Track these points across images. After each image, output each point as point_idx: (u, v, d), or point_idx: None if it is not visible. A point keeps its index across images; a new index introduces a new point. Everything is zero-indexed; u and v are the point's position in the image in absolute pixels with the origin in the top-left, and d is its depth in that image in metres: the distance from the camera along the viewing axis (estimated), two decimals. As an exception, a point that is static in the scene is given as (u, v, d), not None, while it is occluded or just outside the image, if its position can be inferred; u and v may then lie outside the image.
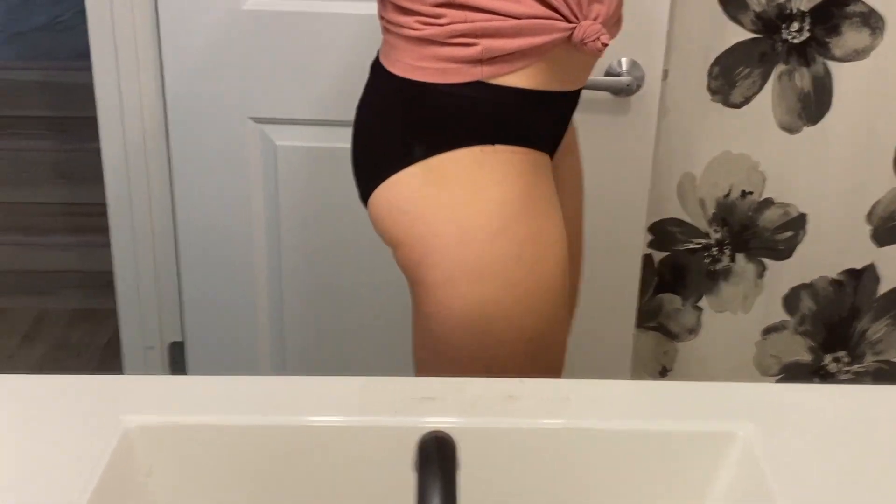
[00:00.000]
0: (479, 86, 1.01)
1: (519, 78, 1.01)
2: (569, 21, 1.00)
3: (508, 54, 0.99)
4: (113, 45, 1.66)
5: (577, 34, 1.00)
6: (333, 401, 0.88)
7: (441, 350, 1.06)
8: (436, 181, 1.02)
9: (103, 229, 1.81)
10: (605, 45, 1.01)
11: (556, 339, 1.12)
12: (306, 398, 0.88)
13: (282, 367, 1.82)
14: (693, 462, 0.85)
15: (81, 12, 1.66)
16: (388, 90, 1.05)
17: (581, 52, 1.02)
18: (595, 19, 1.02)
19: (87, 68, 1.72)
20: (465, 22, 0.98)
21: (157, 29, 1.62)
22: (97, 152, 1.75)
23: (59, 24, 3.29)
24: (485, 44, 0.99)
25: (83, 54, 1.69)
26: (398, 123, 1.05)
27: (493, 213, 1.02)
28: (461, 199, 1.02)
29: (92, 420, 0.83)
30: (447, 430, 0.84)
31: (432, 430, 0.61)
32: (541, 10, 0.98)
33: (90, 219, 2.52)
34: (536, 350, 1.08)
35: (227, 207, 1.71)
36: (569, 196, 1.19)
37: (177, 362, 1.85)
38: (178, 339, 1.84)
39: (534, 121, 1.05)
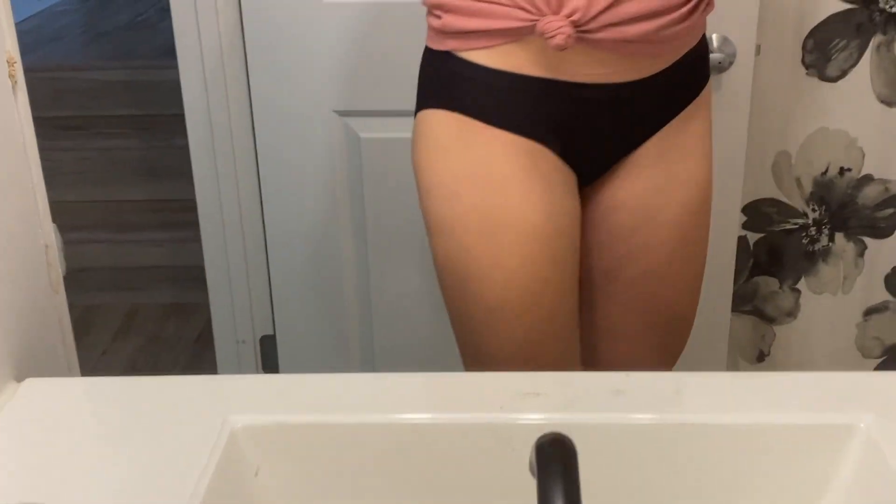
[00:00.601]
0: (449, 56, 1.09)
1: (488, 56, 1.06)
2: (532, 12, 1.02)
3: (469, 31, 1.05)
4: (198, 42, 1.67)
5: (539, 27, 1.01)
6: (435, 397, 0.87)
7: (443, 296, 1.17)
8: (418, 135, 1.13)
9: (192, 224, 1.83)
10: (564, 42, 1.00)
11: (531, 323, 1.11)
12: (407, 395, 0.87)
13: (371, 357, 1.82)
14: (813, 456, 0.82)
15: (162, 9, 1.68)
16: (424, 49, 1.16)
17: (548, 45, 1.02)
18: (571, 15, 1.00)
19: (171, 66, 1.74)
20: None
21: (241, 24, 1.62)
22: (183, 149, 1.77)
23: (141, 23, 3.35)
24: (446, 19, 1.06)
25: (166, 52, 1.71)
26: (420, 80, 1.16)
27: (446, 177, 1.09)
28: (427, 157, 1.11)
29: (199, 421, 0.83)
30: (553, 427, 0.83)
31: (549, 431, 0.59)
32: None
33: (179, 214, 2.56)
34: (499, 322, 1.11)
35: (313, 201, 1.72)
36: (665, 201, 1.15)
37: (268, 356, 1.87)
38: (270, 332, 1.85)
39: (516, 103, 1.07)
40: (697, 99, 1.16)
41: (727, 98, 1.57)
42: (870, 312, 1.80)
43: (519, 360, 1.12)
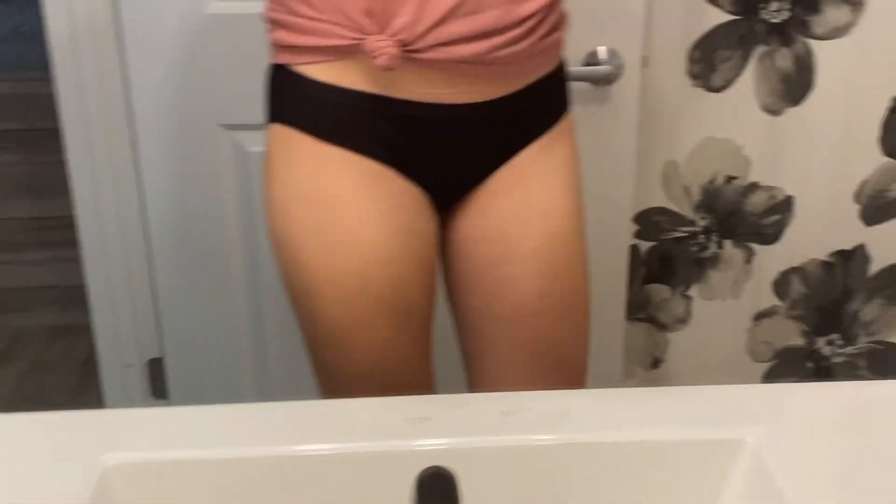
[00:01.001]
0: (284, 69, 1.08)
1: (320, 70, 1.05)
2: (358, 31, 1.01)
3: (301, 47, 1.05)
4: (74, 54, 1.61)
5: (364, 46, 1.01)
6: (322, 427, 0.84)
7: None
8: (267, 149, 1.12)
9: (77, 243, 1.76)
10: (387, 62, 0.99)
11: (371, 342, 1.10)
12: (293, 425, 0.83)
13: (265, 380, 1.77)
14: (702, 471, 0.82)
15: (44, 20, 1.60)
16: None
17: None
18: (397, 34, 0.99)
19: (46, 78, 1.67)
20: (272, 11, 1.07)
21: (120, 36, 1.56)
22: (65, 164, 1.70)
23: (22, 34, 3.22)
24: (279, 33, 1.07)
25: (48, 63, 1.64)
26: (264, 93, 1.15)
27: (281, 192, 1.09)
28: (267, 171, 1.11)
29: (69, 460, 0.79)
30: (443, 452, 0.81)
31: (431, 466, 0.57)
32: (331, 15, 1.02)
33: (62, 232, 2.46)
34: (339, 340, 1.10)
35: (201, 218, 1.66)
36: (524, 232, 1.12)
37: (157, 379, 1.81)
38: (157, 355, 1.79)
39: (350, 119, 1.06)
40: (556, 128, 1.13)
41: (616, 109, 1.58)
42: (759, 317, 1.84)
43: (363, 379, 1.11)
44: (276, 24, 1.07)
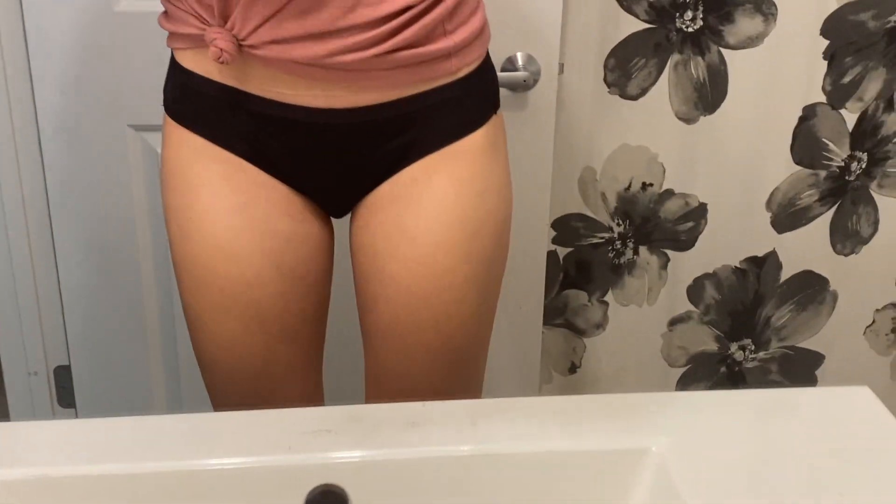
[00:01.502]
0: (172, 53, 1.11)
1: (184, 56, 1.07)
2: (202, 21, 1.01)
3: (170, 32, 1.07)
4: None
5: (205, 37, 1.01)
6: (221, 440, 0.81)
7: None
8: None
9: (-20, 247, 1.70)
10: (217, 55, 0.98)
11: (222, 340, 1.10)
12: (191, 439, 0.81)
13: (175, 387, 1.73)
14: (607, 481, 0.81)
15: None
16: None
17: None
18: (232, 28, 0.98)
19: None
20: None
21: (24, 33, 1.51)
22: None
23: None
24: (160, 17, 1.09)
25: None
26: None
27: (160, 175, 1.12)
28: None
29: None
30: (344, 465, 0.79)
31: (320, 484, 0.55)
32: (186, 4, 1.02)
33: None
34: (191, 328, 1.13)
35: (109, 220, 1.62)
36: (390, 253, 1.06)
37: (64, 388, 1.75)
38: (65, 362, 1.73)
39: (206, 107, 1.06)
40: (444, 151, 1.05)
41: (533, 115, 1.57)
42: (674, 322, 1.85)
43: (216, 369, 1.12)
44: (163, 8, 1.09)
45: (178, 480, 0.77)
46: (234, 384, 1.12)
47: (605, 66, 1.65)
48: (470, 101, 1.07)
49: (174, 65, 1.10)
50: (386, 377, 1.12)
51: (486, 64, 1.10)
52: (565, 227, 1.76)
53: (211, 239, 1.06)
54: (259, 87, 1.02)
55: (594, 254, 1.79)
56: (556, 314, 1.83)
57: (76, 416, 1.75)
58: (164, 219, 1.14)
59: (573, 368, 1.88)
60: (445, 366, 1.10)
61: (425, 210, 1.05)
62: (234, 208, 1.05)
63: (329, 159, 1.06)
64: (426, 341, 1.08)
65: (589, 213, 1.75)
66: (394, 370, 1.11)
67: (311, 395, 1.18)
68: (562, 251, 1.78)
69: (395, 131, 1.04)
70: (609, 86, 1.66)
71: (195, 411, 1.70)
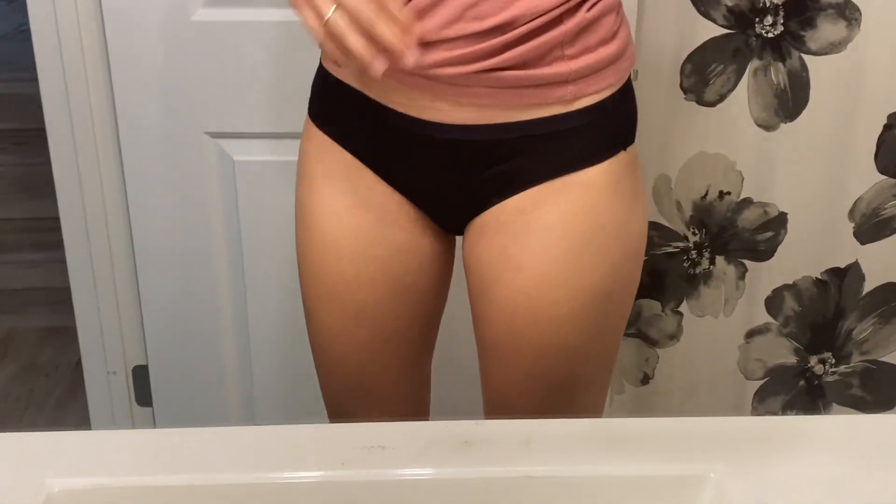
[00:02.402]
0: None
1: (325, 58, 1.09)
2: None
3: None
4: (59, 57, 1.60)
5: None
6: (276, 454, 0.82)
7: None
8: None
9: (67, 246, 1.75)
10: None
11: (321, 337, 1.13)
12: (245, 452, 0.82)
13: (249, 387, 1.76)
14: (662, 508, 0.80)
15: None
16: None
17: None
18: None
19: (34, 78, 1.66)
20: None
21: (104, 41, 1.55)
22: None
23: (23, 33, 3.21)
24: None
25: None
26: None
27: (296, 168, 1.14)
28: None
29: (12, 485, 0.77)
30: (395, 484, 0.79)
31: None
32: None
33: (56, 234, 2.44)
34: (305, 310, 1.16)
35: (186, 226, 1.65)
36: (493, 279, 1.05)
37: (141, 387, 1.79)
38: (142, 362, 1.77)
39: (334, 107, 1.08)
40: (554, 183, 1.00)
41: (605, 122, 1.55)
42: (751, 334, 1.81)
43: (325, 359, 1.16)
44: None
45: (230, 494, 0.78)
46: (338, 374, 1.16)
47: (682, 72, 1.62)
48: (590, 134, 1.00)
49: (320, 66, 1.11)
50: (491, 392, 1.14)
51: (621, 94, 1.02)
52: (639, 236, 1.73)
53: (320, 234, 1.09)
54: (379, 93, 1.02)
55: (669, 263, 1.75)
56: (629, 324, 1.80)
57: (153, 415, 1.79)
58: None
59: (646, 379, 1.85)
60: (546, 392, 1.08)
61: (531, 242, 1.01)
62: (348, 209, 1.08)
63: (435, 174, 1.04)
64: (525, 367, 1.07)
65: (663, 222, 1.72)
66: (497, 387, 1.12)
67: (415, 398, 1.20)
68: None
69: (497, 157, 1.00)
70: (685, 92, 1.63)
71: (268, 404, 1.74)
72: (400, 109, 1.01)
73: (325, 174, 1.09)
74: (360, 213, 1.07)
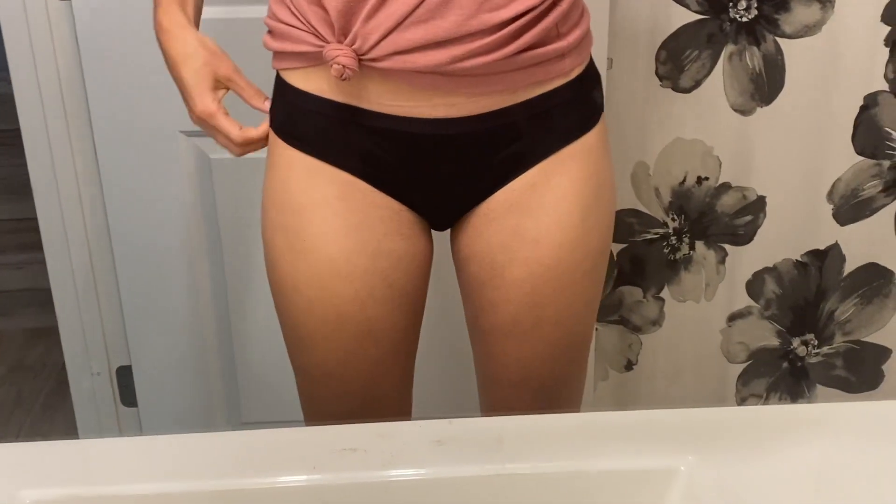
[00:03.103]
0: (277, 75, 1.09)
1: (296, 76, 1.05)
2: (320, 38, 1.00)
3: (279, 52, 1.06)
4: (31, 58, 1.59)
5: (323, 54, 0.99)
6: (243, 458, 0.82)
7: None
8: None
9: (48, 247, 1.74)
10: (340, 73, 0.97)
11: (330, 353, 1.10)
12: (216, 457, 0.82)
13: (234, 385, 1.76)
14: (634, 502, 0.80)
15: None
16: None
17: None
18: (353, 43, 0.97)
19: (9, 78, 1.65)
20: (267, 16, 1.07)
21: (76, 40, 1.54)
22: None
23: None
24: (266, 38, 1.08)
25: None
26: None
27: (264, 193, 1.11)
28: (265, 174, 1.12)
29: (-15, 498, 0.77)
30: (368, 486, 0.79)
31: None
32: (300, 22, 1.02)
33: (37, 234, 2.44)
34: (301, 342, 1.11)
35: (164, 224, 1.65)
36: (509, 258, 1.08)
37: (126, 387, 1.79)
38: (126, 363, 1.77)
39: (319, 127, 1.05)
40: (564, 151, 1.06)
41: (581, 111, 1.55)
42: (733, 318, 1.82)
43: (324, 384, 1.12)
44: (268, 27, 1.08)
45: (202, 501, 0.78)
46: (342, 398, 1.13)
47: (657, 59, 1.61)
48: (582, 101, 1.08)
49: (282, 85, 1.07)
50: (505, 370, 1.14)
51: (592, 64, 1.11)
52: (619, 224, 1.72)
53: (325, 259, 1.05)
54: (376, 102, 1.01)
55: (649, 249, 1.76)
56: (611, 311, 1.81)
57: (139, 415, 1.79)
58: (261, 236, 1.13)
59: (629, 365, 1.85)
60: (564, 352, 1.14)
61: (546, 214, 1.06)
62: (348, 228, 1.05)
63: (443, 170, 1.05)
64: (547, 334, 1.11)
65: (643, 209, 1.72)
66: (514, 363, 1.13)
67: (407, 400, 1.21)
68: (616, 247, 1.76)
69: (512, 138, 1.04)
70: (661, 79, 1.63)
71: (252, 402, 1.74)
72: (406, 114, 1.01)
73: (319, 199, 1.05)
74: (360, 231, 1.05)
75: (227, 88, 1.08)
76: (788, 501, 0.77)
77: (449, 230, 1.14)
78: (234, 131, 1.06)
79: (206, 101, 1.06)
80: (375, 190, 1.06)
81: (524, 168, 1.06)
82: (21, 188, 2.50)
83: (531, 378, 1.14)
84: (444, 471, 0.80)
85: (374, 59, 0.97)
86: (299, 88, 1.05)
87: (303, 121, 1.06)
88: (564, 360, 1.15)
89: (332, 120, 1.04)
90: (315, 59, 1.02)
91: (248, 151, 1.10)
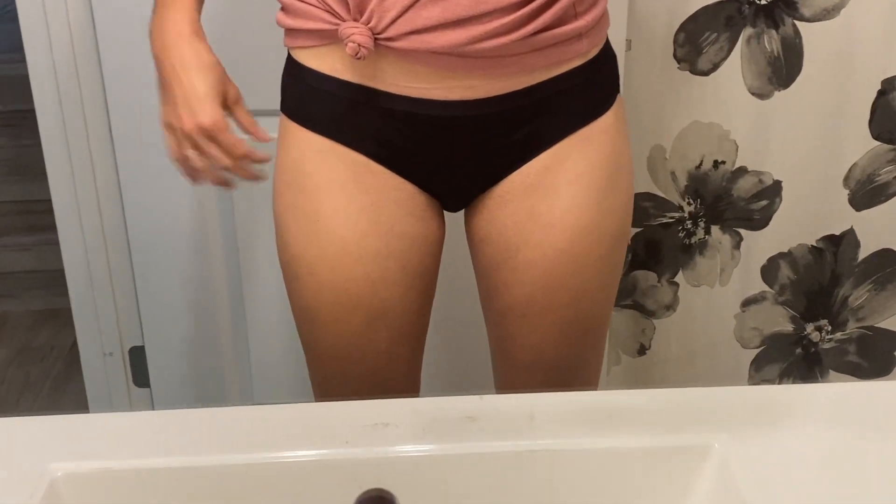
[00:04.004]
0: (288, 55, 1.07)
1: (309, 56, 1.03)
2: (335, 16, 0.98)
3: (293, 29, 1.04)
4: (47, 38, 1.58)
5: (339, 32, 0.98)
6: (278, 433, 0.82)
7: None
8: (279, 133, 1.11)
9: (60, 228, 1.74)
10: (355, 51, 0.95)
11: (342, 335, 1.09)
12: (246, 431, 0.81)
13: (247, 365, 1.76)
14: (666, 479, 0.80)
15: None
16: None
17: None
18: (368, 21, 0.96)
19: (24, 59, 1.64)
20: None
21: (93, 20, 1.53)
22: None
23: (9, 14, 3.18)
24: (279, 15, 1.05)
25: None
26: None
27: (275, 176, 1.09)
28: (276, 154, 1.10)
29: (15, 470, 0.77)
30: (403, 460, 0.79)
31: (371, 489, 0.55)
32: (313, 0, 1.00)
33: (49, 216, 2.43)
34: (313, 324, 1.10)
35: (178, 203, 1.64)
36: (523, 240, 1.07)
37: (138, 368, 1.79)
38: (139, 343, 1.77)
39: (334, 108, 1.03)
40: (579, 133, 1.05)
41: (599, 94, 1.54)
42: (747, 303, 1.81)
43: (337, 364, 1.11)
44: (281, 7, 1.05)
45: (234, 474, 0.78)
46: (353, 380, 1.12)
47: (675, 42, 1.61)
48: (599, 82, 1.07)
49: (294, 65, 1.06)
50: (519, 351, 1.14)
51: (608, 45, 1.10)
52: (634, 207, 1.72)
53: (339, 240, 1.04)
54: (392, 83, 1.00)
55: (664, 234, 1.75)
56: (625, 295, 1.80)
57: (151, 396, 1.79)
58: (273, 215, 1.12)
59: (642, 350, 1.85)
60: (579, 334, 1.13)
61: (560, 197, 1.05)
62: (362, 210, 1.04)
63: (458, 153, 1.04)
64: (562, 317, 1.11)
65: (658, 193, 1.72)
66: (527, 345, 1.13)
67: (416, 388, 1.20)
68: (630, 231, 1.75)
69: (527, 119, 1.03)
70: (679, 61, 1.62)
71: (265, 384, 1.74)
72: (421, 95, 1.00)
73: (332, 180, 1.04)
74: (373, 212, 1.05)
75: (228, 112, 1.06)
76: (821, 479, 0.77)
77: (462, 211, 1.14)
78: (241, 144, 1.03)
79: (218, 112, 1.02)
80: (389, 171, 1.05)
81: (540, 150, 1.05)
82: (28, 169, 2.49)
83: (544, 360, 1.14)
84: (475, 446, 0.80)
85: (389, 39, 0.96)
86: (312, 68, 1.04)
87: (316, 101, 1.05)
88: (578, 344, 1.14)
89: (345, 101, 1.03)
90: (329, 38, 1.01)
91: (237, 169, 1.05)
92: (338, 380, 1.14)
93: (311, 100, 1.05)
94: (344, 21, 0.98)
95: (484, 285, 1.15)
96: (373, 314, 1.08)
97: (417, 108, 1.01)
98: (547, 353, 1.14)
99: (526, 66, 1.00)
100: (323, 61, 1.03)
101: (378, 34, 0.96)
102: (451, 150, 1.04)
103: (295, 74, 1.06)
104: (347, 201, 1.04)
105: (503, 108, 1.01)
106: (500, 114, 1.01)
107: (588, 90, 1.06)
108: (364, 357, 1.11)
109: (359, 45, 0.95)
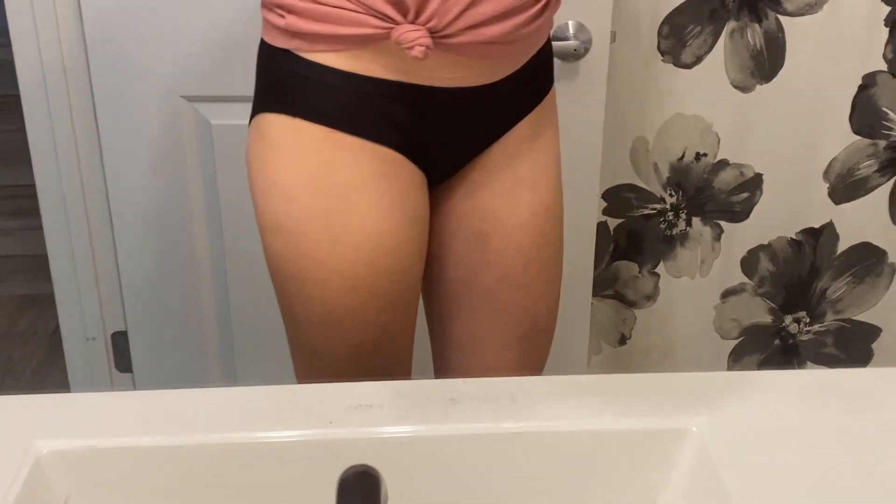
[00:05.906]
0: (289, 55, 1.03)
1: (335, 59, 1.01)
2: (386, 20, 0.97)
3: (315, 34, 1.00)
4: (32, 22, 1.58)
5: (395, 37, 0.97)
6: (262, 413, 0.82)
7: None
8: (254, 137, 1.08)
9: (42, 213, 1.74)
10: (423, 53, 0.96)
11: (368, 331, 1.07)
12: (231, 412, 0.82)
13: (230, 351, 1.76)
14: (645, 461, 0.81)
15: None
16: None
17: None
18: (428, 22, 0.96)
19: (9, 44, 1.64)
20: None
21: (78, 4, 1.53)
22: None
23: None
24: (290, 20, 1.01)
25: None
26: (258, 76, 1.10)
27: (285, 180, 1.04)
28: (262, 159, 1.06)
29: (1, 446, 0.77)
30: (385, 441, 0.80)
31: (355, 465, 0.56)
32: (353, 3, 0.97)
33: (31, 201, 2.42)
34: (334, 327, 1.07)
35: (163, 190, 1.64)
36: (513, 203, 1.12)
37: (121, 352, 1.79)
38: (122, 328, 1.77)
39: (366, 107, 1.02)
40: (544, 102, 1.14)
41: (584, 84, 1.56)
42: (727, 294, 1.83)
43: (351, 367, 1.09)
44: (285, 8, 1.01)
45: (220, 453, 0.78)
46: (367, 371, 1.10)
47: (659, 34, 1.62)
48: (552, 53, 1.16)
49: (304, 65, 1.02)
50: (513, 322, 1.17)
51: None
52: (616, 198, 1.75)
53: (374, 237, 1.04)
54: (426, 76, 1.01)
55: (646, 225, 1.77)
56: (606, 285, 1.82)
57: (133, 381, 1.79)
58: (273, 222, 1.07)
59: (623, 340, 1.87)
60: (558, 293, 1.21)
61: (538, 161, 1.13)
62: (392, 204, 1.05)
63: (464, 131, 1.08)
64: (551, 275, 1.18)
65: (640, 184, 1.73)
66: (522, 312, 1.17)
67: (410, 361, 1.21)
68: (612, 222, 1.77)
69: (518, 94, 1.10)
70: (662, 54, 1.64)
71: (248, 370, 1.74)
72: (451, 84, 1.03)
73: (365, 176, 1.03)
74: (401, 202, 1.05)
75: None
76: (800, 462, 0.78)
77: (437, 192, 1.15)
78: None
79: None
80: (406, 158, 1.06)
81: (517, 120, 1.11)
82: (13, 154, 2.48)
83: (522, 321, 1.17)
84: (458, 428, 0.81)
85: (447, 36, 0.98)
86: (336, 68, 1.01)
87: (341, 100, 1.02)
88: (553, 298, 1.21)
89: (375, 97, 1.02)
90: (366, 41, 0.99)
91: None
92: (347, 369, 1.11)
93: (336, 100, 1.02)
94: (398, 24, 0.97)
95: (466, 265, 1.14)
96: (396, 304, 1.09)
97: (446, 96, 1.04)
98: (540, 316, 1.18)
99: (532, 44, 1.08)
100: (352, 62, 1.00)
101: (437, 32, 0.97)
102: (458, 129, 1.08)
103: (307, 75, 1.02)
104: (380, 197, 1.04)
105: (515, 83, 1.08)
106: (511, 90, 1.08)
107: (548, 61, 1.15)
108: (386, 349, 1.10)
109: (425, 47, 0.96)
